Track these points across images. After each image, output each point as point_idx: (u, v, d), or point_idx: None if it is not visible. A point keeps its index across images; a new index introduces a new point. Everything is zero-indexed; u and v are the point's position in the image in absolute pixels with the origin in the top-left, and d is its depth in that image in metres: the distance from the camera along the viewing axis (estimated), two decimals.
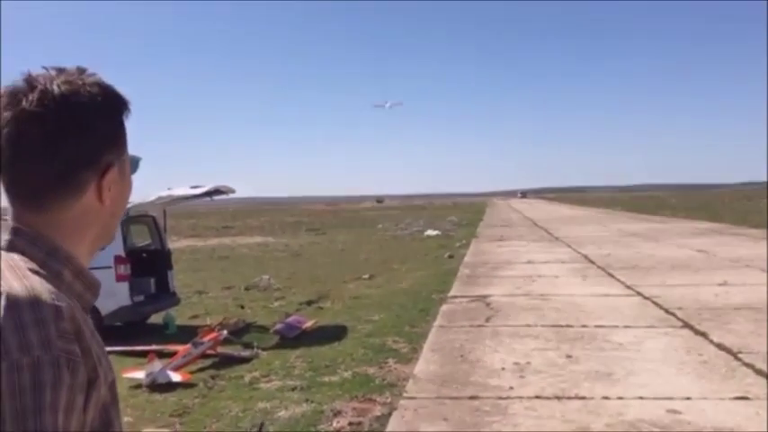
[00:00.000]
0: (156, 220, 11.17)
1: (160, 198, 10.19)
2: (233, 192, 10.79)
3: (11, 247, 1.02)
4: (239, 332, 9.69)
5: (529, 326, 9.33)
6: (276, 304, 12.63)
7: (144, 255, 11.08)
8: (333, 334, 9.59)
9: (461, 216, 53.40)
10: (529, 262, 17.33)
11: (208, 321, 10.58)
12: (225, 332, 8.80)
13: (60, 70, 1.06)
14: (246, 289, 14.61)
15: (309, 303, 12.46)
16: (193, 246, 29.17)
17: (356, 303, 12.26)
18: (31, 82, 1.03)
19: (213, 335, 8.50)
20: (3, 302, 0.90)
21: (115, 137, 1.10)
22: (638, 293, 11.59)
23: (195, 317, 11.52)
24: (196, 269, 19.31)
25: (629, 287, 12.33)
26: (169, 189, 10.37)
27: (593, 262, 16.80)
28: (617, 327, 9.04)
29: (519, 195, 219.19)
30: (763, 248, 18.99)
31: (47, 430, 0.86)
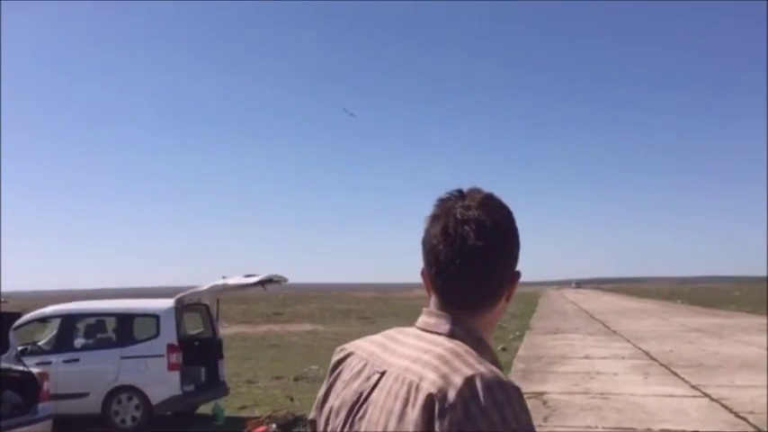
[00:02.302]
0: (209, 308, 11.24)
1: (214, 287, 10.27)
2: (285, 281, 10.82)
3: (452, 335, 1.28)
4: (288, 426, 9.47)
5: (589, 427, 8.89)
6: None
7: (195, 343, 11.10)
8: None
9: (513, 306, 52.34)
10: (586, 357, 16.74)
11: (256, 413, 10.42)
12: (273, 426, 8.64)
13: (462, 195, 1.34)
14: (296, 379, 14.41)
15: None
16: (244, 332, 29.18)
17: None
18: (463, 217, 1.28)
19: (261, 428, 8.36)
20: (479, 383, 1.13)
21: (519, 249, 1.35)
22: (705, 394, 11.00)
23: (244, 407, 11.36)
24: (246, 357, 19.23)
25: (694, 387, 11.73)
26: (224, 278, 10.45)
27: (654, 359, 16.12)
28: (684, 431, 8.53)
29: (573, 285, 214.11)
30: None
31: None
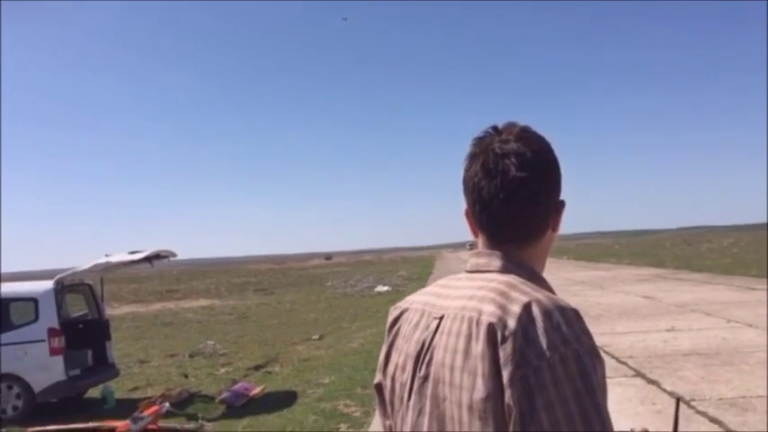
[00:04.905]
0: (93, 288, 10.70)
1: (97, 265, 9.76)
2: (174, 255, 10.43)
3: (505, 269, 1.29)
4: (183, 403, 9.23)
5: None
6: (222, 371, 12.17)
7: (80, 326, 10.55)
8: (282, 400, 9.24)
9: (411, 270, 53.38)
10: None
11: (149, 393, 10.10)
12: (167, 404, 8.34)
13: (498, 131, 1.32)
14: (191, 356, 14.05)
15: (257, 368, 12.04)
16: (135, 312, 28.21)
17: (306, 366, 11.91)
18: (503, 150, 1.28)
19: (154, 408, 8.05)
20: (536, 308, 1.15)
21: (561, 178, 1.34)
22: None
23: (136, 388, 10.97)
24: (137, 337, 18.59)
25: None
26: (107, 255, 9.95)
27: None
28: None
29: (468, 247, 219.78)
30: (707, 293, 19.45)
31: (600, 407, 1.10)
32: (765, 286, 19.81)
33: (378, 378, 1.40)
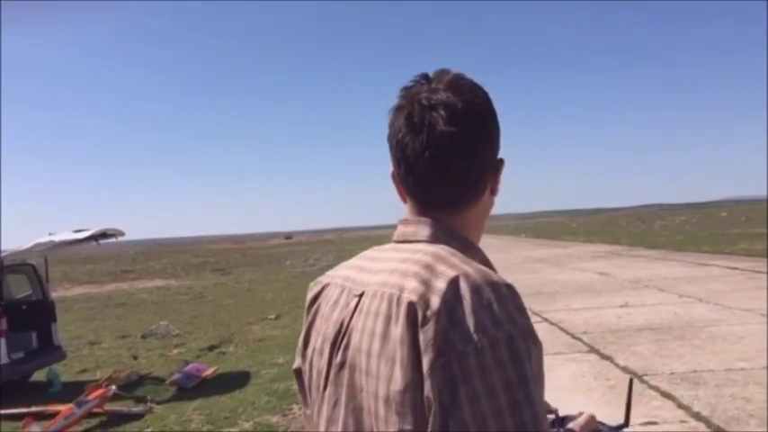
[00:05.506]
0: (37, 268, 10.31)
1: (39, 245, 9.39)
2: (122, 234, 10.09)
3: (434, 239, 1.11)
4: (132, 385, 8.99)
5: None
6: (175, 352, 11.90)
7: (24, 307, 10.17)
8: (234, 381, 9.06)
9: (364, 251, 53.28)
10: None
11: (98, 375, 9.81)
12: (114, 387, 8.09)
13: (428, 79, 1.13)
14: (143, 337, 13.73)
15: (211, 349, 11.81)
16: (88, 293, 27.59)
17: (261, 346, 11.72)
18: (430, 102, 1.09)
19: (100, 391, 7.79)
20: (465, 284, 0.97)
21: (499, 133, 1.16)
22: (545, 319, 11.63)
23: (84, 371, 10.66)
24: (89, 318, 18.14)
25: (535, 313, 12.36)
26: (50, 234, 9.58)
27: None
28: None
29: None
30: (660, 269, 19.79)
31: (533, 399, 0.92)
32: (718, 262, 20.25)
33: (297, 362, 1.24)
